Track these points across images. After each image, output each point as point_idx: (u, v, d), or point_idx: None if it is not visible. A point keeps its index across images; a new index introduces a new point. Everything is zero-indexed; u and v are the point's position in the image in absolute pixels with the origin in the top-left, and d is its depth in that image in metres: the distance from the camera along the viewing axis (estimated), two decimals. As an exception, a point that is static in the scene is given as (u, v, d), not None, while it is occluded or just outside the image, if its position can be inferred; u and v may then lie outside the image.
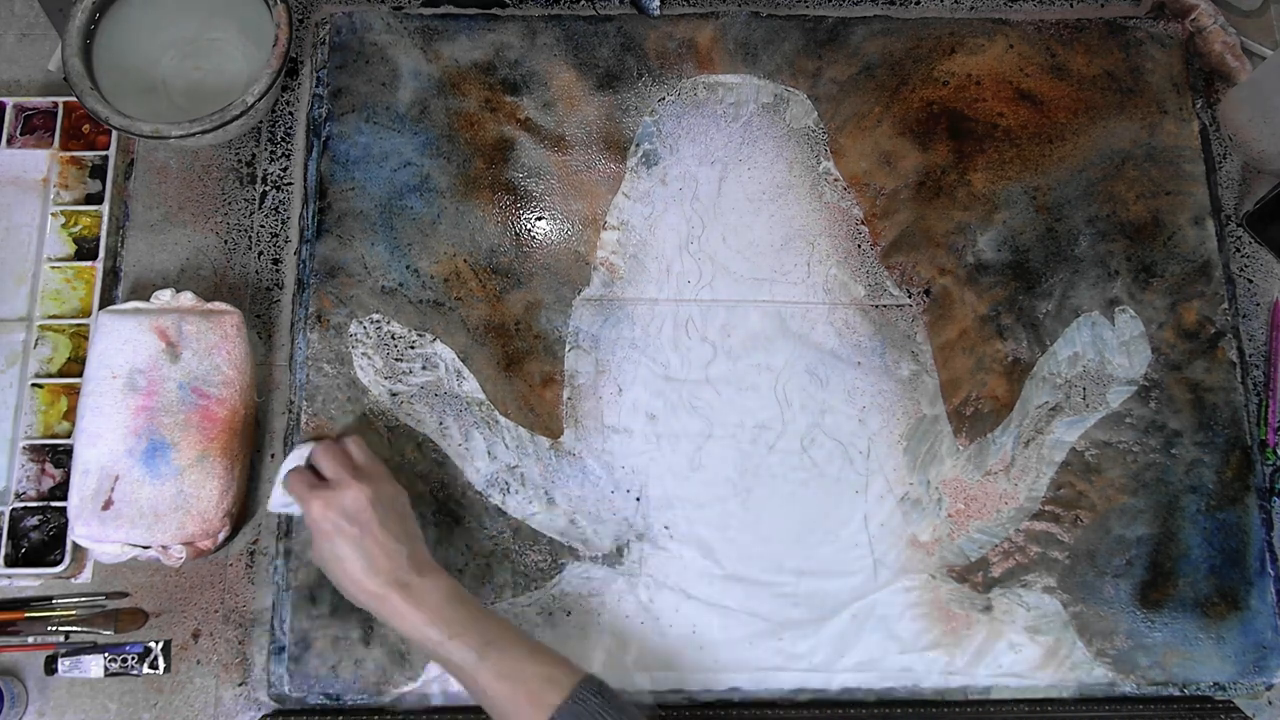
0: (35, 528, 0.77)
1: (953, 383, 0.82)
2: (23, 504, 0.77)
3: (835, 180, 0.87)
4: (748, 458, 0.80)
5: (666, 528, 0.78)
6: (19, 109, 0.86)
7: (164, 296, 0.79)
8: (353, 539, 0.67)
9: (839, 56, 0.89)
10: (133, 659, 0.75)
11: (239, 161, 0.87)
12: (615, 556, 0.78)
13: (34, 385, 0.80)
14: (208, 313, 0.78)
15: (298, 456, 0.73)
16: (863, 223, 0.86)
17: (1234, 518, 0.80)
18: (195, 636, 0.77)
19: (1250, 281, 0.88)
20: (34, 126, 0.86)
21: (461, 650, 0.64)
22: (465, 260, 0.83)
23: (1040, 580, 0.78)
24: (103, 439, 0.74)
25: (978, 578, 0.78)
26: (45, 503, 0.77)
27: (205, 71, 0.88)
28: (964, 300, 0.84)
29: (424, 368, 0.81)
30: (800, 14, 0.91)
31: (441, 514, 0.78)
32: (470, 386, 0.81)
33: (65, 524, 0.76)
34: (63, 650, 0.76)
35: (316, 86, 0.87)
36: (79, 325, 0.81)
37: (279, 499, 0.72)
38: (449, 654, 0.65)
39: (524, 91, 0.87)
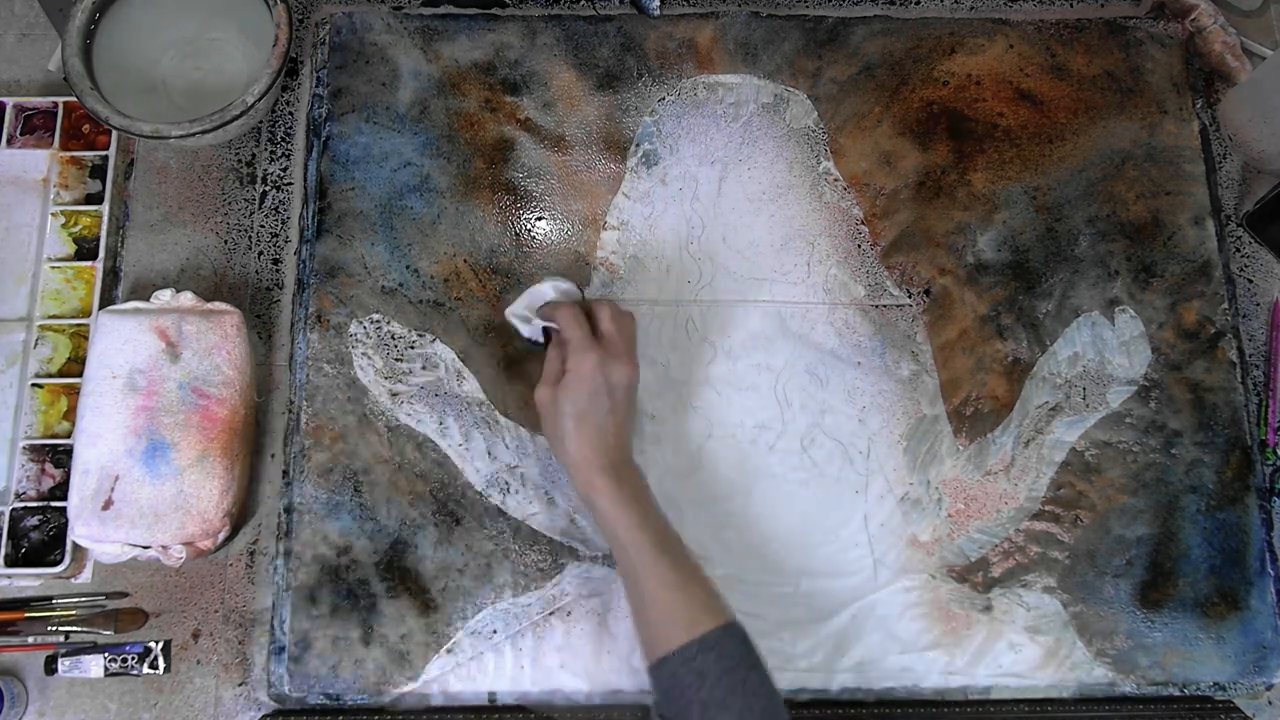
0: (35, 528, 0.77)
1: (953, 383, 0.82)
2: (23, 504, 0.77)
3: (835, 180, 0.87)
4: (748, 458, 0.80)
5: (666, 528, 0.78)
6: (19, 109, 0.86)
7: (164, 296, 0.79)
8: (603, 409, 0.69)
9: (839, 56, 0.89)
10: (133, 659, 0.75)
11: (239, 161, 0.87)
12: (615, 556, 0.78)
13: (34, 385, 0.80)
14: (208, 313, 0.78)
15: (559, 291, 0.76)
16: (863, 223, 0.86)
17: (1234, 518, 0.80)
18: (195, 636, 0.77)
19: (1250, 281, 0.88)
20: (34, 126, 0.86)
21: (643, 547, 0.66)
22: (465, 260, 0.83)
23: (1040, 580, 0.78)
24: (103, 439, 0.74)
25: (978, 578, 0.78)
26: (45, 503, 0.77)
27: (205, 71, 0.88)
28: (964, 300, 0.84)
29: (424, 368, 0.81)
30: (800, 14, 0.91)
31: (441, 514, 0.78)
32: (470, 386, 0.81)
33: (65, 524, 0.76)
34: (63, 650, 0.76)
35: (316, 86, 0.87)
36: (79, 325, 0.81)
37: (523, 310, 0.76)
38: (632, 545, 0.67)
39: (524, 91, 0.87)
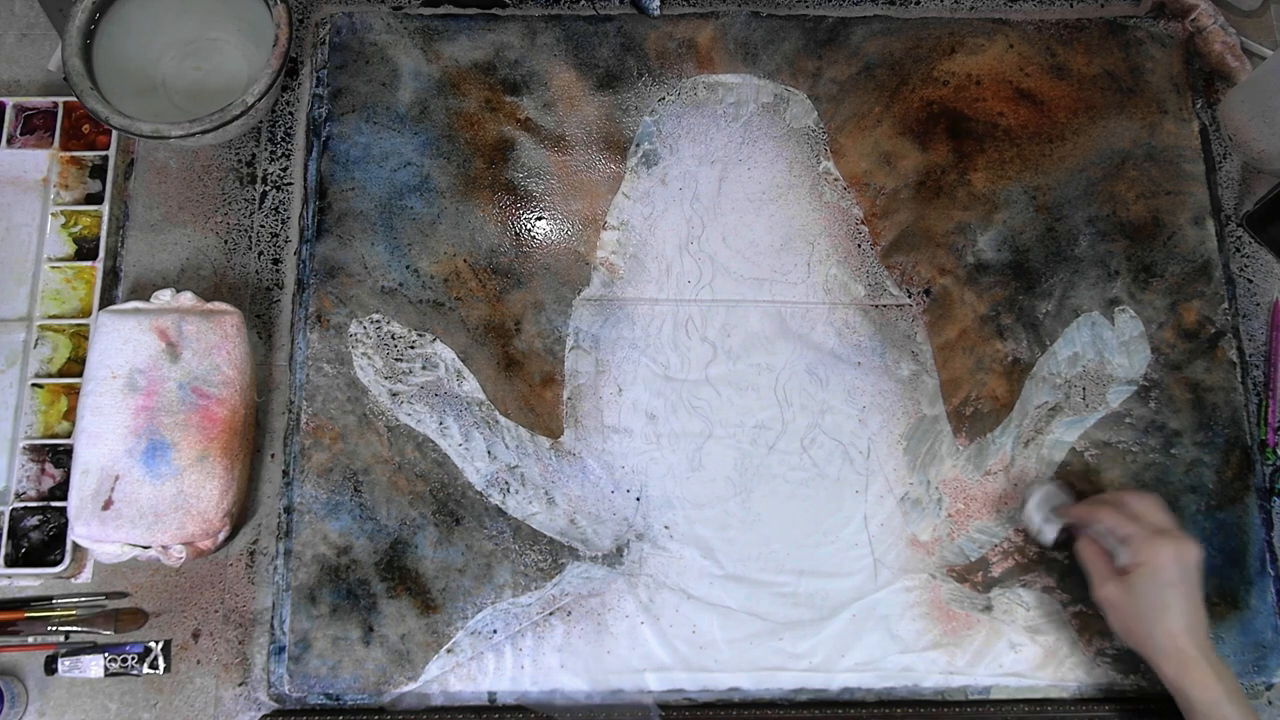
0: (35, 528, 0.77)
1: (953, 383, 0.82)
2: (23, 504, 0.77)
3: (835, 180, 0.87)
4: (748, 458, 0.80)
5: (666, 528, 0.79)
6: (19, 109, 0.86)
7: (164, 296, 0.79)
8: (1185, 594, 0.67)
9: (839, 56, 0.89)
10: (133, 659, 0.75)
11: (239, 161, 0.87)
12: (615, 556, 0.78)
13: (34, 385, 0.80)
14: (208, 313, 0.78)
15: (1063, 489, 0.77)
16: (863, 223, 0.86)
17: (1234, 518, 0.80)
18: (195, 636, 0.77)
19: (1250, 281, 0.88)
20: (34, 126, 0.86)
21: None
22: (465, 260, 0.83)
23: (1040, 580, 0.78)
24: (103, 439, 0.74)
25: (978, 577, 0.78)
26: (45, 503, 0.77)
27: (205, 71, 0.88)
28: (964, 300, 0.84)
29: (424, 368, 0.81)
30: (800, 14, 0.91)
31: (441, 514, 0.78)
32: (470, 386, 0.81)
33: (65, 524, 0.76)
34: (63, 650, 0.76)
35: (316, 86, 0.87)
36: (79, 325, 0.81)
37: (1040, 514, 0.76)
38: None
39: (524, 91, 0.87)
